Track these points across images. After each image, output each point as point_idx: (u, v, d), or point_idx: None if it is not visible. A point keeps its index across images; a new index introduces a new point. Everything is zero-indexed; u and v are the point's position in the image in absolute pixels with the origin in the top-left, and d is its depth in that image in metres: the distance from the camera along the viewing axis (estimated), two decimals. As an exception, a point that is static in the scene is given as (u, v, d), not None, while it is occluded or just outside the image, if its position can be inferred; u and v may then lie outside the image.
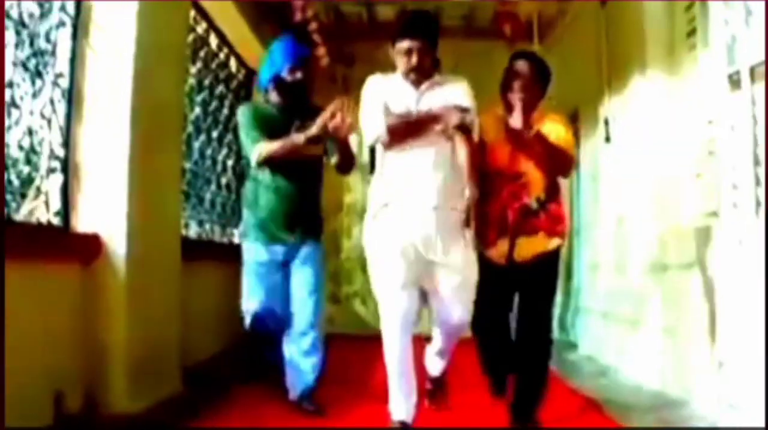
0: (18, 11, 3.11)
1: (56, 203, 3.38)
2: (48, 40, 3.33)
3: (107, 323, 3.40)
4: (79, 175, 3.47)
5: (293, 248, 3.73)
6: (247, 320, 3.76)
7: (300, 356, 3.74)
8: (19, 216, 3.14)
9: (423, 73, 3.15)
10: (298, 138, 3.53)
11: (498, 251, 3.34)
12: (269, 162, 3.62)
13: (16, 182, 3.12)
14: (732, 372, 3.43)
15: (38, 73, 3.26)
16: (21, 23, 3.13)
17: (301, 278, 3.75)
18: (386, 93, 3.15)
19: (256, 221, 3.73)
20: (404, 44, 3.10)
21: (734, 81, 3.43)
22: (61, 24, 3.42)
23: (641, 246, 4.68)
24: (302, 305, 3.74)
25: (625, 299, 4.92)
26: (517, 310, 3.43)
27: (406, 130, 3.10)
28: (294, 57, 3.75)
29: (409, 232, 3.08)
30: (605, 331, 5.36)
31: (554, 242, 3.38)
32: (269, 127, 3.65)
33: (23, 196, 3.18)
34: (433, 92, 3.17)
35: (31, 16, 3.21)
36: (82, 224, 3.44)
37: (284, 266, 3.76)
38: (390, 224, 3.11)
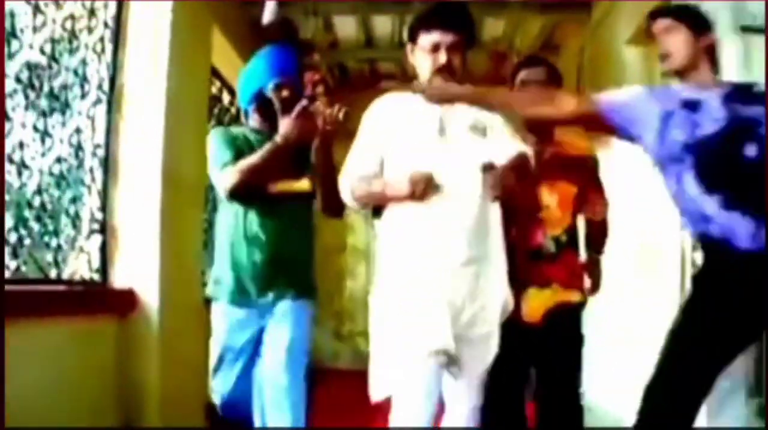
0: (65, 96, 3.53)
1: (96, 262, 3.79)
2: (88, 116, 3.76)
3: (142, 367, 3.78)
4: (116, 235, 3.88)
5: (271, 306, 2.88)
6: (217, 402, 2.99)
7: None
8: (66, 274, 3.55)
9: (455, 76, 2.48)
10: (272, 144, 2.78)
11: None
12: (244, 196, 2.83)
13: (65, 246, 3.53)
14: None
15: (80, 147, 3.68)
16: (66, 104, 3.56)
17: (276, 340, 2.85)
18: (396, 122, 2.55)
19: (230, 276, 2.89)
20: (431, 37, 2.46)
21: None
22: (98, 101, 3.85)
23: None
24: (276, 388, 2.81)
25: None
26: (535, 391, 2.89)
27: (366, 199, 2.61)
28: (282, 71, 2.92)
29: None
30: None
31: (574, 296, 2.88)
32: (243, 154, 2.84)
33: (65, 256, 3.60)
34: (462, 113, 2.51)
35: (74, 98, 3.63)
36: (118, 279, 3.84)
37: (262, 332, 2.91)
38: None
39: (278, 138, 2.76)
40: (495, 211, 2.52)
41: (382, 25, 6.57)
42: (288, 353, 2.79)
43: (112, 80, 3.93)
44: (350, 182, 2.56)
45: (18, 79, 3.14)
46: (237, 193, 2.80)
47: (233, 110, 6.47)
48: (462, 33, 2.49)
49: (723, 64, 3.36)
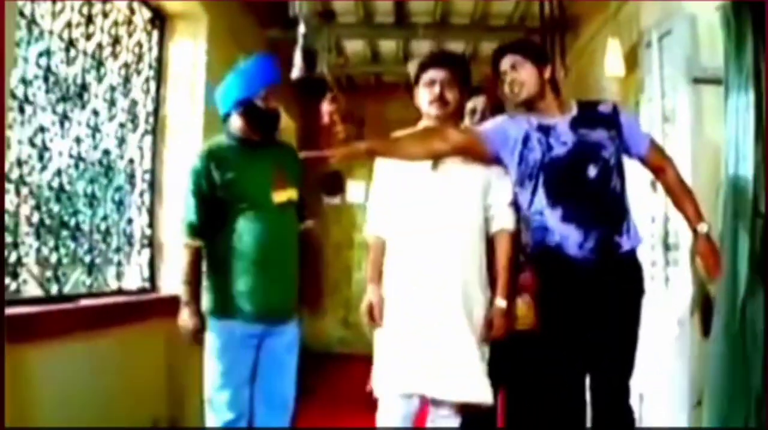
0: (121, 133, 4.14)
1: (146, 272, 4.42)
2: (138, 147, 4.37)
3: (187, 366, 4.40)
4: (162, 249, 4.50)
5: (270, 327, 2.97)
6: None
7: None
8: (125, 285, 4.18)
9: (447, 108, 2.87)
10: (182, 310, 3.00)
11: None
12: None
13: (124, 261, 4.16)
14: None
15: (133, 175, 4.30)
16: (122, 140, 4.17)
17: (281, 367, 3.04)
18: (399, 166, 2.88)
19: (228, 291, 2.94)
20: (428, 75, 2.89)
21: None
22: (146, 132, 4.46)
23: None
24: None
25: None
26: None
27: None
28: (273, 81, 3.04)
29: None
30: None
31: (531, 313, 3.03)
32: (235, 166, 2.93)
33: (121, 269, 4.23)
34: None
35: (127, 133, 4.24)
36: (165, 287, 4.47)
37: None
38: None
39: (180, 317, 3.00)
40: (481, 241, 2.85)
41: (387, 43, 7.14)
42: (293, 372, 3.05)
43: (156, 113, 4.55)
44: (371, 233, 2.99)
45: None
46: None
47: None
48: (454, 71, 2.89)
49: (678, 111, 4.00)
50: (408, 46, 7.08)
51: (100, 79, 3.86)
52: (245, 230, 2.90)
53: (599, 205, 2.75)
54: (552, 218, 2.76)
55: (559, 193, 2.75)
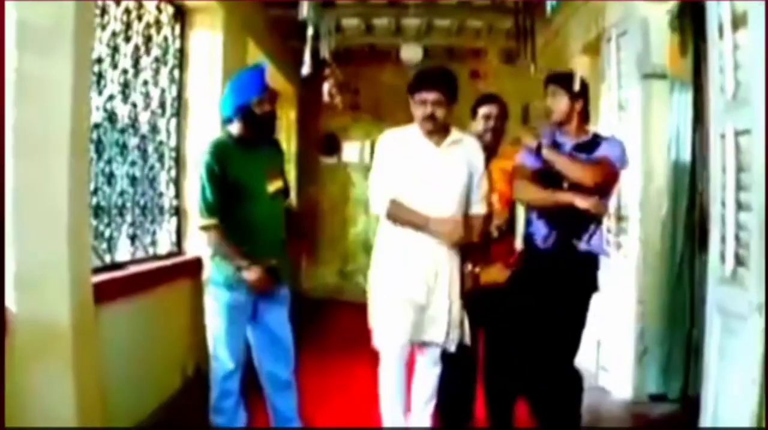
0: (154, 120, 4.77)
1: (174, 238, 5.10)
2: (167, 130, 5.01)
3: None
4: (187, 216, 5.16)
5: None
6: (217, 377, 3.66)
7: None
8: (159, 250, 4.86)
9: (437, 123, 3.35)
10: (243, 266, 3.47)
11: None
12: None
13: (157, 230, 4.84)
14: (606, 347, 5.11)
15: (162, 154, 4.95)
16: (154, 126, 4.80)
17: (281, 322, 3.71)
18: (402, 151, 3.40)
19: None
20: (421, 95, 3.33)
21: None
22: (172, 115, 5.09)
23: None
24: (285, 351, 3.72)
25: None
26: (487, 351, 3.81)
27: (405, 222, 3.37)
28: (264, 88, 3.56)
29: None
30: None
31: (507, 274, 3.71)
32: (236, 162, 3.49)
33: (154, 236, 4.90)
34: (454, 151, 3.40)
35: (157, 118, 4.87)
36: (190, 250, 5.14)
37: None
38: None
39: (245, 277, 3.45)
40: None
41: (380, 18, 7.73)
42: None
43: (179, 97, 5.18)
44: (384, 203, 3.38)
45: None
46: (205, 231, 3.54)
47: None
48: (443, 92, 3.34)
49: (631, 101, 4.67)
50: (399, 22, 7.66)
51: (136, 74, 4.47)
52: (246, 213, 3.50)
53: (564, 214, 3.37)
54: (533, 213, 3.57)
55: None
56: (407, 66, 7.32)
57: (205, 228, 3.54)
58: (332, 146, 9.57)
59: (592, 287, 3.49)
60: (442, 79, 3.39)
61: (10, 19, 2.73)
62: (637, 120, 4.56)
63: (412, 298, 3.34)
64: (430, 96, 3.31)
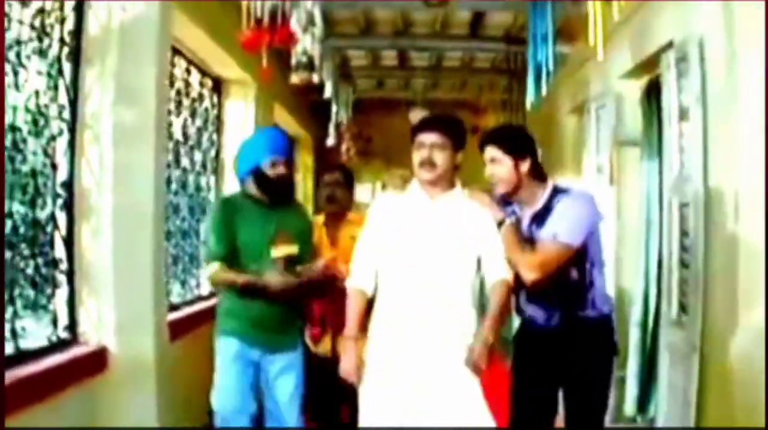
0: (197, 179, 5.56)
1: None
2: (207, 187, 5.79)
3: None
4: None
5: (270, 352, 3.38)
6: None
7: None
8: (202, 292, 5.60)
9: (436, 171, 2.89)
10: (273, 281, 3.22)
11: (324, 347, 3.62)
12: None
13: (201, 273, 5.59)
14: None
15: (204, 208, 5.72)
16: (198, 185, 5.57)
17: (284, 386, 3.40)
18: (395, 214, 3.00)
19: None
20: (418, 138, 2.92)
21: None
22: (212, 173, 5.87)
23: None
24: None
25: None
26: None
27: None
28: (277, 149, 3.39)
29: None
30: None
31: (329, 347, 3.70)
32: (244, 220, 3.34)
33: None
34: (450, 204, 2.96)
35: (201, 177, 5.65)
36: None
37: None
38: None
39: (265, 283, 3.21)
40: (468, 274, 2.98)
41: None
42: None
43: (217, 157, 5.99)
44: (359, 279, 3.01)
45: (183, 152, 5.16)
46: (214, 285, 3.46)
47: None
48: (445, 134, 2.91)
49: (605, 165, 5.42)
50: (409, 81, 8.51)
51: (185, 142, 5.26)
52: (249, 274, 3.27)
53: (556, 293, 2.95)
54: (521, 296, 3.09)
55: (519, 280, 2.96)
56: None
57: (212, 274, 3.37)
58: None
59: (610, 350, 3.08)
60: (443, 122, 3.03)
61: (107, 120, 3.52)
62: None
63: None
64: (429, 138, 2.91)
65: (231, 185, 5.97)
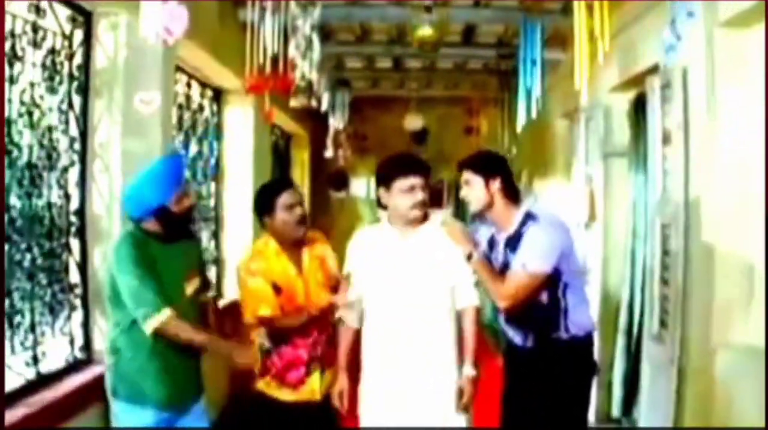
0: (199, 187, 5.73)
1: (214, 284, 6.05)
2: (208, 194, 5.96)
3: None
4: (224, 265, 6.11)
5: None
6: None
7: None
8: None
9: (425, 209, 3.07)
10: (224, 347, 3.00)
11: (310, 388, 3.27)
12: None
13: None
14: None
15: (206, 216, 5.90)
16: (199, 193, 5.75)
17: None
18: (372, 249, 3.15)
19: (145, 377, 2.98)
20: (408, 181, 3.01)
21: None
22: (212, 180, 6.04)
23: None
24: None
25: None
26: None
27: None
28: (180, 180, 3.08)
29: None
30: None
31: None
32: (157, 261, 2.94)
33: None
34: (419, 243, 3.10)
35: (202, 186, 5.82)
36: (227, 294, 6.08)
37: None
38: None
39: (222, 348, 3.00)
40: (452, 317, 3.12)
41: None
42: None
43: (217, 165, 6.16)
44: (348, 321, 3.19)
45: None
46: (161, 335, 2.86)
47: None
48: (425, 176, 3.08)
49: (595, 175, 5.60)
50: (403, 81, 8.67)
51: (186, 154, 5.43)
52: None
53: (528, 316, 3.12)
54: (500, 318, 3.35)
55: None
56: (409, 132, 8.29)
57: (163, 325, 2.85)
58: (342, 183, 10.62)
59: (586, 370, 3.22)
60: (423, 165, 3.14)
61: (115, 149, 3.69)
62: (600, 192, 5.50)
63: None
64: (419, 181, 3.04)
65: (231, 191, 6.23)
